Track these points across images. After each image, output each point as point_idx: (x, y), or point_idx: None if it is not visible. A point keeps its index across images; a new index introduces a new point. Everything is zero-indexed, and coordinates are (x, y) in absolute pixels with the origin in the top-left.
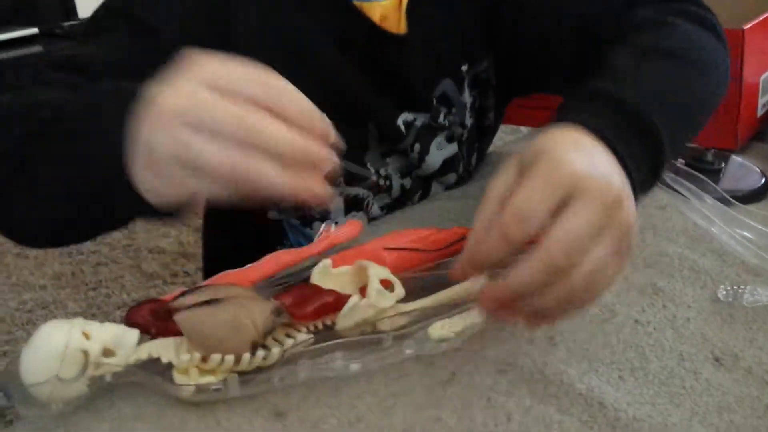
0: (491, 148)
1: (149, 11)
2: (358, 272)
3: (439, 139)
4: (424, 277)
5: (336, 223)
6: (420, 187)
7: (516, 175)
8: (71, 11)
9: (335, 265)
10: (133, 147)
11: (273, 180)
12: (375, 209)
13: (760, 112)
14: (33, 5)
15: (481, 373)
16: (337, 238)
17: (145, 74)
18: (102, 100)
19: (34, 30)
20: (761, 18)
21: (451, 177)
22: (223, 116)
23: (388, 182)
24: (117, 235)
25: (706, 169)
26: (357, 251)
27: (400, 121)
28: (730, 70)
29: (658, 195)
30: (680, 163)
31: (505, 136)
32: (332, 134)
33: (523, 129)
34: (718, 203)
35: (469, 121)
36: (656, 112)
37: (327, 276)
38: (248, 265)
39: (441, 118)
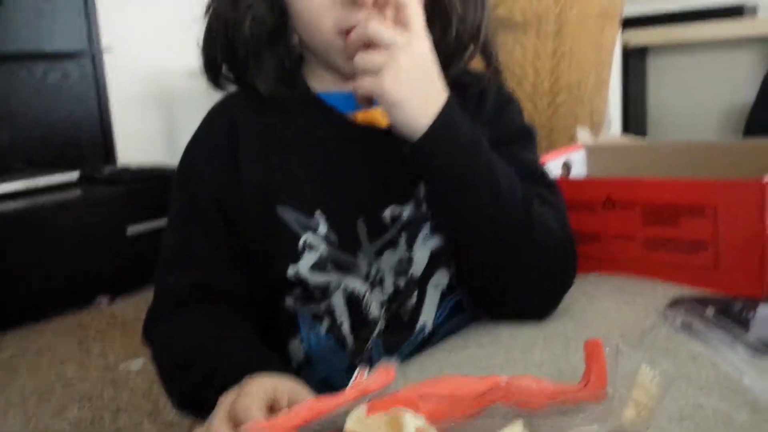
0: None
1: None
2: (394, 421)
3: (425, 231)
4: (461, 426)
5: (369, 366)
6: (415, 289)
7: None
8: (111, 156)
9: (370, 412)
10: None
11: None
12: (374, 308)
13: None
14: (77, 149)
15: None
16: (370, 385)
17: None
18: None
19: (75, 174)
20: None
21: (443, 277)
22: None
23: (379, 277)
24: (137, 380)
25: (735, 319)
26: (392, 399)
27: (386, 214)
28: (754, 221)
29: (690, 345)
30: (710, 312)
31: None
32: None
33: None
34: (750, 353)
35: None
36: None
37: (362, 424)
38: (282, 413)
39: (424, 207)
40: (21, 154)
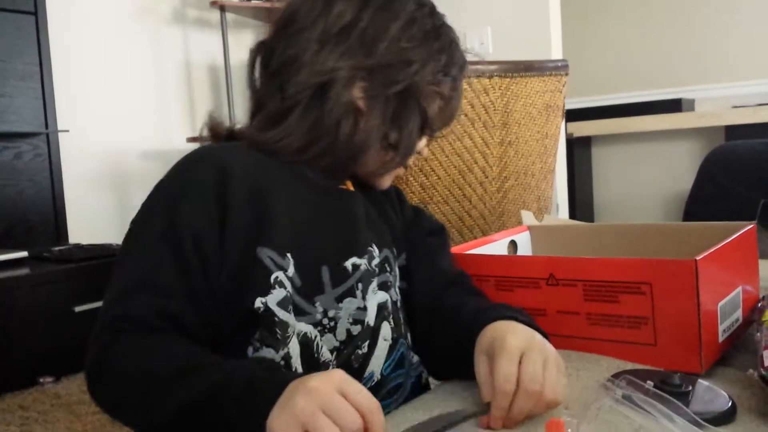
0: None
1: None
2: None
3: (374, 284)
4: None
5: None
6: (368, 336)
7: (488, 362)
8: (62, 236)
9: None
10: (283, 409)
11: None
12: (325, 352)
13: (721, 338)
14: (28, 230)
15: None
16: None
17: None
18: (253, 394)
19: (24, 253)
20: (712, 250)
21: (386, 329)
22: (345, 414)
23: (333, 323)
24: None
25: (674, 392)
26: None
27: (348, 263)
28: (688, 298)
29: (631, 416)
30: (649, 384)
31: None
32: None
33: None
34: (690, 425)
35: (398, 288)
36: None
37: None
38: None
39: (372, 264)
40: None
